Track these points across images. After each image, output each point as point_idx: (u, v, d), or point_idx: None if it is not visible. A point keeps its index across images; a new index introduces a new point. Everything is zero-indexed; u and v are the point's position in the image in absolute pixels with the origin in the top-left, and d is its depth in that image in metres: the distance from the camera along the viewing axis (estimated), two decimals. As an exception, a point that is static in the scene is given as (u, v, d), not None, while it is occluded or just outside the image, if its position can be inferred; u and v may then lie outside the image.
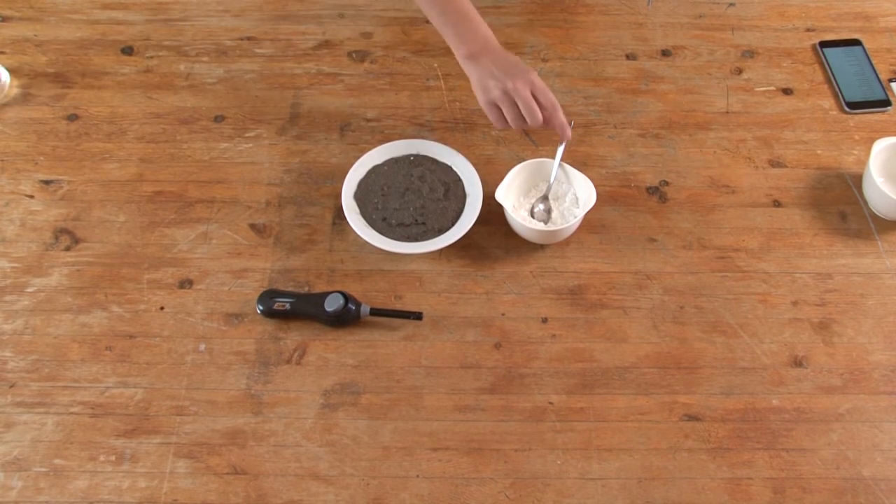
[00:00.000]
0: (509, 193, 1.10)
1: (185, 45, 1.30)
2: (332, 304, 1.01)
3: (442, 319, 1.05)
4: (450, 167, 1.14)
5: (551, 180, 1.10)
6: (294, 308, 1.03)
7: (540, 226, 1.09)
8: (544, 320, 1.05)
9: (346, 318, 1.02)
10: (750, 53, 1.30)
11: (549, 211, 1.11)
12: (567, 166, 1.11)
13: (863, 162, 1.17)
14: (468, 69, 1.06)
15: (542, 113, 1.04)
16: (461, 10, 1.06)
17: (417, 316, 1.03)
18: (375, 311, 1.03)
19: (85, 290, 1.07)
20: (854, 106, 1.24)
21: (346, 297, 1.02)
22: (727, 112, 1.24)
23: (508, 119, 1.04)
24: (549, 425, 0.98)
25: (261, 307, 1.04)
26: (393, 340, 1.03)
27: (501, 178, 1.16)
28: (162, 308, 1.05)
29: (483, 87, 1.04)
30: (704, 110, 1.24)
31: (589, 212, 1.14)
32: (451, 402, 0.99)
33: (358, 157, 1.15)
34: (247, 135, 1.20)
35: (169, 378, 1.00)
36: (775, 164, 1.19)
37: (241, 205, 1.14)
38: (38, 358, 1.02)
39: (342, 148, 1.19)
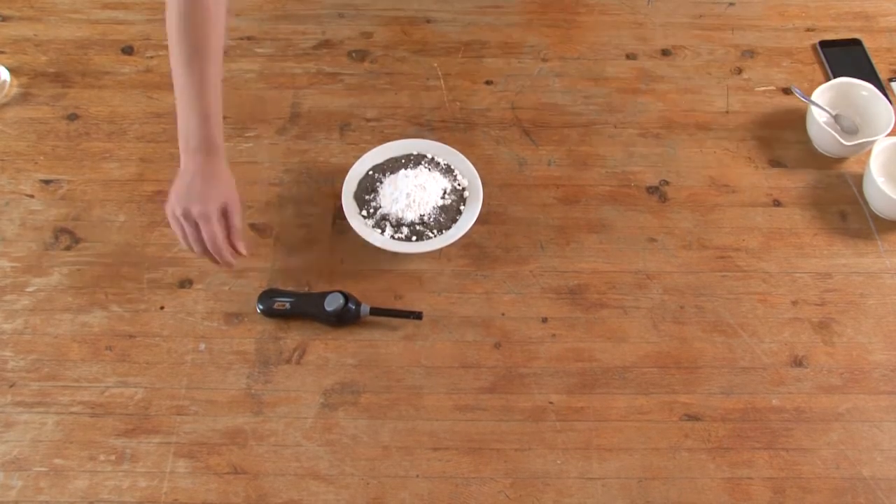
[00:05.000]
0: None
1: (185, 44, 1.30)
2: (332, 303, 1.01)
3: (442, 319, 1.05)
4: (450, 167, 1.14)
5: None
6: (294, 308, 1.03)
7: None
8: (544, 320, 1.05)
9: (346, 318, 1.02)
10: (750, 53, 1.31)
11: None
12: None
13: (863, 162, 1.17)
14: (181, 163, 0.96)
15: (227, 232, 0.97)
16: (204, 104, 0.95)
17: (417, 316, 1.03)
18: (375, 311, 1.03)
19: (85, 290, 1.07)
20: (854, 106, 1.24)
21: (346, 297, 1.02)
22: (727, 112, 1.24)
23: (188, 238, 0.96)
24: (549, 425, 0.98)
25: (261, 307, 1.04)
26: (393, 340, 1.03)
27: (501, 178, 1.16)
28: (162, 308, 1.05)
29: (176, 192, 0.95)
30: (704, 110, 1.24)
31: (589, 211, 1.14)
32: (451, 401, 0.99)
33: (358, 157, 1.15)
34: (247, 134, 1.20)
35: (169, 378, 1.00)
36: (775, 164, 1.19)
37: (242, 204, 1.13)
38: (38, 358, 1.02)
39: (342, 148, 1.19)
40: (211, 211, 0.95)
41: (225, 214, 0.97)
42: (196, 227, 0.95)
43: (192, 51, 0.94)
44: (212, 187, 0.96)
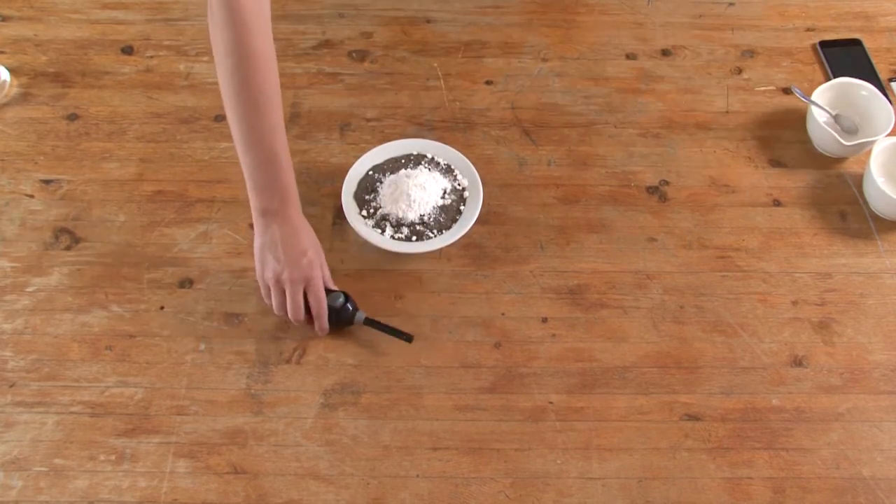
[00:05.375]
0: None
1: (185, 44, 1.30)
2: (333, 300, 1.01)
3: (442, 319, 1.05)
4: (450, 167, 1.14)
5: None
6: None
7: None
8: (544, 320, 1.05)
9: (342, 318, 1.02)
10: (750, 53, 1.31)
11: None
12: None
13: (863, 162, 1.18)
14: (256, 225, 0.98)
15: (310, 312, 1.00)
16: (269, 151, 0.95)
17: (408, 338, 1.01)
18: (369, 322, 1.02)
19: (85, 290, 1.07)
20: (854, 106, 1.24)
21: (347, 298, 1.02)
22: (727, 112, 1.24)
23: (273, 304, 0.99)
24: (549, 425, 0.98)
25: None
26: (393, 340, 1.03)
27: (501, 178, 1.16)
28: (162, 308, 1.05)
29: (262, 259, 0.98)
30: (704, 110, 1.24)
31: (589, 211, 1.14)
32: (451, 401, 0.99)
33: (358, 157, 1.15)
34: (247, 134, 1.20)
35: (169, 378, 1.00)
36: (775, 163, 1.19)
37: (242, 204, 1.13)
38: (38, 357, 1.02)
39: (342, 148, 1.19)
40: (297, 279, 0.97)
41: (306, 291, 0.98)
42: (283, 294, 0.98)
43: (250, 104, 0.92)
44: (298, 251, 0.97)
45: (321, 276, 0.99)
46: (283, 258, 0.96)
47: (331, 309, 1.01)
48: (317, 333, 1.02)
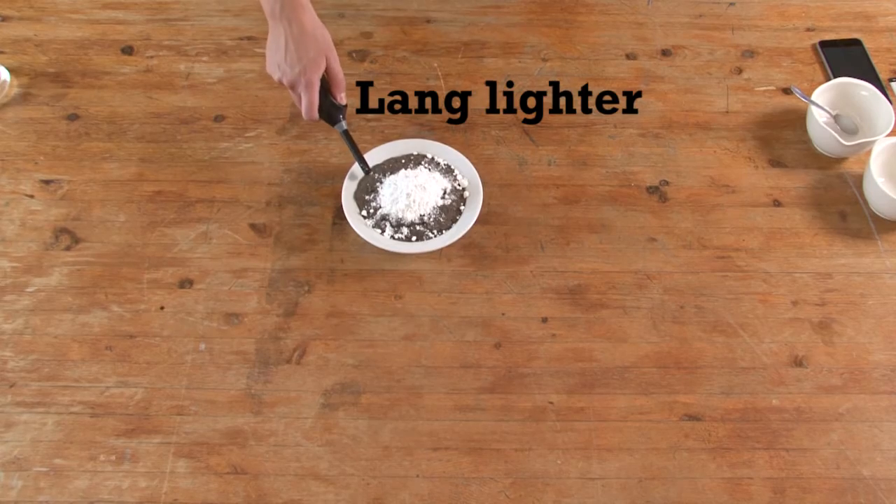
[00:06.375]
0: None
1: (185, 44, 1.30)
2: (331, 103, 1.08)
3: (442, 319, 1.05)
4: (450, 167, 1.14)
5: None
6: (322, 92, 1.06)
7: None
8: (544, 320, 1.05)
9: (329, 113, 1.08)
10: (750, 53, 1.31)
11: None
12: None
13: (863, 162, 1.18)
14: (270, 28, 1.03)
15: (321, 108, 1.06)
16: None
17: (366, 169, 1.12)
18: (345, 134, 1.11)
19: (85, 290, 1.07)
20: (854, 106, 1.24)
21: (342, 109, 1.09)
22: (727, 112, 1.24)
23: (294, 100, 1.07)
24: (549, 425, 0.98)
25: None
26: (393, 340, 1.03)
27: (501, 178, 1.16)
28: (162, 308, 1.05)
29: (272, 65, 1.03)
30: (704, 110, 1.24)
31: (589, 211, 1.14)
32: (451, 401, 0.99)
33: (358, 157, 1.15)
34: (247, 134, 1.20)
35: (169, 378, 1.00)
36: (775, 164, 1.19)
37: (241, 204, 1.14)
38: (38, 358, 1.02)
39: (342, 148, 1.19)
40: (311, 79, 1.01)
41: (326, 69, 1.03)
42: (299, 96, 1.04)
43: None
44: (305, 48, 1.00)
45: (317, 82, 1.02)
46: (284, 63, 1.01)
47: (330, 105, 1.08)
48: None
